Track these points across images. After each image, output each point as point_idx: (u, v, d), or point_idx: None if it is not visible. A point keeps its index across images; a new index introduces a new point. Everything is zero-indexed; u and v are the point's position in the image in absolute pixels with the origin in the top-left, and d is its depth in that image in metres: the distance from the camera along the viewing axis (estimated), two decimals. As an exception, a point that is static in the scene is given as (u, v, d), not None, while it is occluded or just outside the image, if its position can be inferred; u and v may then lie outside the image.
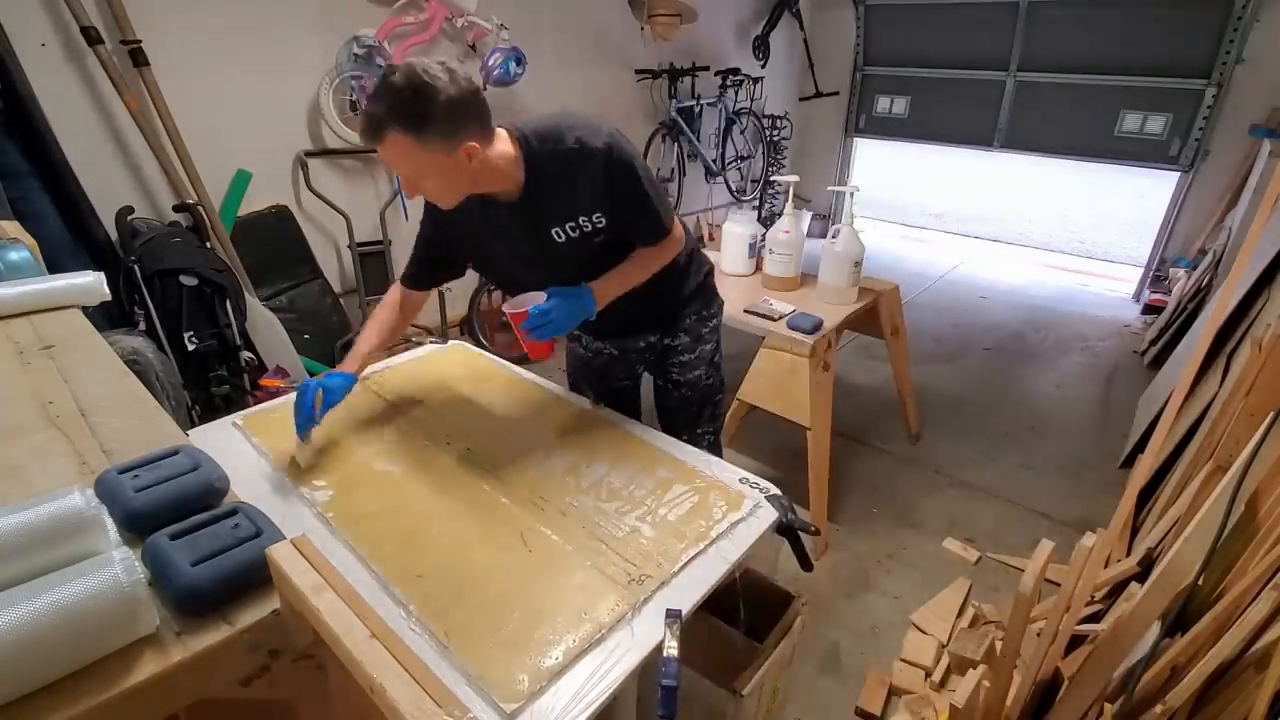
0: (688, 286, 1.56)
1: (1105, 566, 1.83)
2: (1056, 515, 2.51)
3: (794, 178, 2.50)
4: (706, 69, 4.72)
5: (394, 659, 0.56)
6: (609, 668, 0.87)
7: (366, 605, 0.60)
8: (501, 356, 1.77)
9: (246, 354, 2.42)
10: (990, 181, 9.07)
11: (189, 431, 1.26)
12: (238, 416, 1.43)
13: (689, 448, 1.38)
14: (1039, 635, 1.36)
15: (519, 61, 3.36)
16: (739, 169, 5.35)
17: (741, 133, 5.12)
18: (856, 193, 3.28)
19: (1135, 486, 1.40)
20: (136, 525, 0.68)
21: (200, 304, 2.31)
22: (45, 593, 0.54)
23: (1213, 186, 4.31)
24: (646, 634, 0.92)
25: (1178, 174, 4.51)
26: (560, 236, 1.31)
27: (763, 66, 5.32)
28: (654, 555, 1.06)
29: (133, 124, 2.39)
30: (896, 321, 2.62)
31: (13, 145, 2.09)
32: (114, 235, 2.40)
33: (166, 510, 0.69)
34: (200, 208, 2.55)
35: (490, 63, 3.30)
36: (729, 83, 4.89)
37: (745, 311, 2.22)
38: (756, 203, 5.65)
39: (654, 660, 0.89)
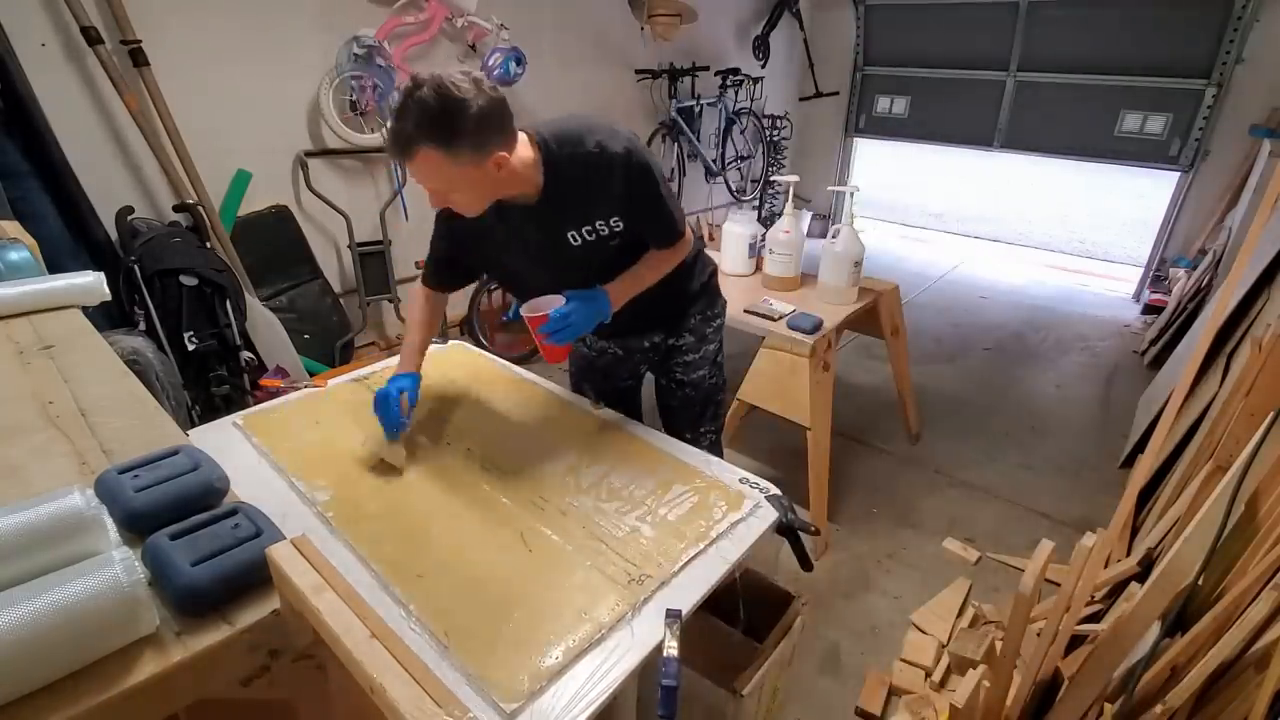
0: (693, 286, 1.57)
1: (1105, 566, 1.83)
2: (1056, 515, 2.51)
3: (794, 178, 2.50)
4: (706, 69, 4.72)
5: (394, 659, 0.56)
6: (609, 668, 0.87)
7: (366, 605, 0.60)
8: (501, 356, 1.77)
9: (246, 354, 2.42)
10: (990, 181, 9.07)
11: (189, 431, 1.26)
12: (238, 416, 1.43)
13: (689, 448, 1.38)
14: (1039, 635, 1.36)
15: (519, 61, 3.36)
16: (739, 169, 5.35)
17: (741, 133, 5.13)
18: (856, 193, 3.28)
19: (1135, 486, 1.40)
20: (136, 525, 0.68)
21: (200, 304, 2.31)
22: (45, 593, 0.54)
23: (1213, 186, 4.31)
24: (646, 634, 0.92)
25: (1178, 174, 4.51)
26: (576, 240, 1.30)
27: (763, 66, 5.32)
28: (654, 555, 1.06)
29: (133, 124, 2.39)
30: (896, 321, 2.62)
31: (13, 145, 2.09)
32: (114, 235, 2.40)
33: (166, 510, 0.69)
34: (200, 208, 2.55)
35: (490, 63, 3.30)
36: (729, 83, 4.89)
37: (745, 311, 2.22)
38: (756, 203, 5.65)
39: (654, 660, 0.89)
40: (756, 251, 2.60)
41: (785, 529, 1.18)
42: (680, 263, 1.46)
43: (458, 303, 3.63)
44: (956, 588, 2.12)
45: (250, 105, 2.77)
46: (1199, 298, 3.51)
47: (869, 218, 6.84)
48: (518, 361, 1.76)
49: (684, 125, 4.60)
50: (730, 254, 2.59)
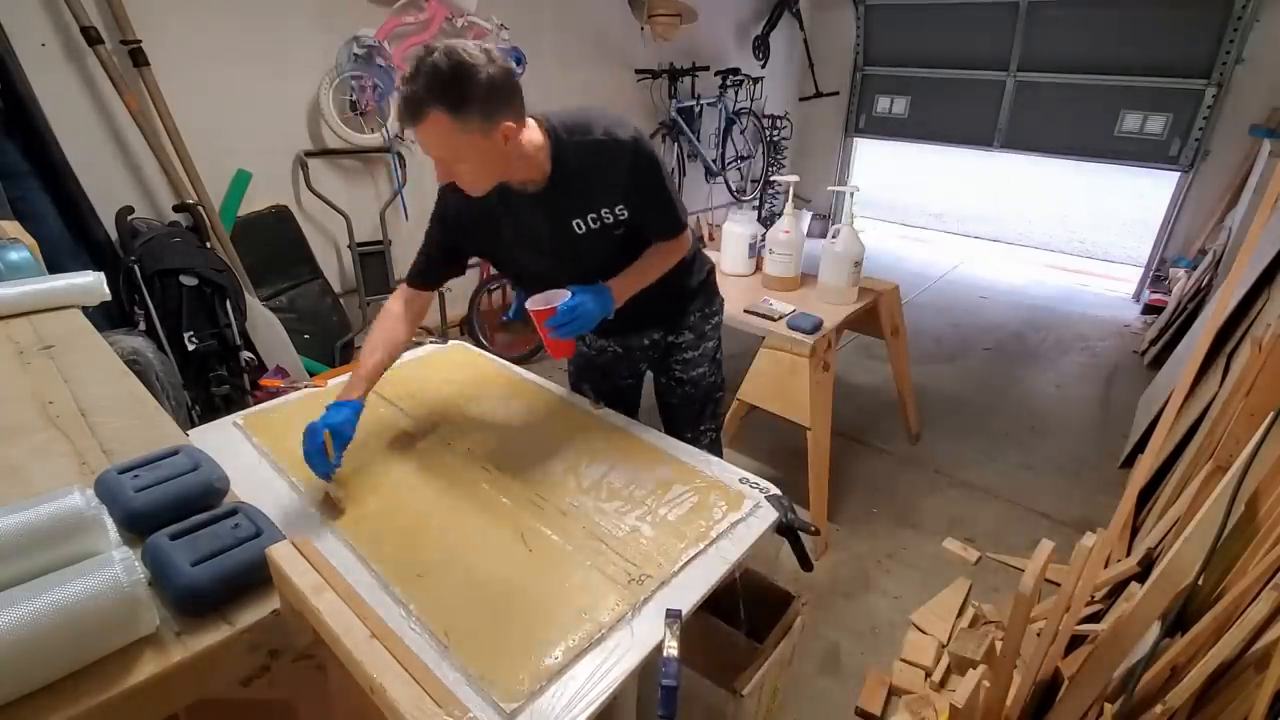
0: (692, 283, 1.57)
1: (1105, 566, 1.83)
2: (1056, 515, 2.51)
3: (794, 178, 2.50)
4: (706, 69, 4.72)
5: (394, 659, 0.56)
6: (609, 668, 0.87)
7: (366, 605, 0.60)
8: (501, 356, 1.77)
9: (246, 354, 2.43)
10: (990, 181, 9.07)
11: (189, 431, 1.26)
12: (238, 416, 1.43)
13: (689, 448, 1.38)
14: (1039, 635, 1.36)
15: (519, 61, 3.37)
16: (739, 169, 5.35)
17: (741, 133, 5.12)
18: (856, 193, 3.28)
19: (1135, 486, 1.40)
20: (136, 525, 0.68)
21: (200, 304, 2.31)
22: (45, 593, 0.54)
23: (1213, 186, 4.31)
24: (646, 634, 0.92)
25: (1178, 174, 4.51)
26: (581, 228, 1.30)
27: (763, 66, 5.32)
28: (654, 555, 1.06)
29: (133, 124, 2.39)
30: (896, 321, 2.62)
31: (13, 145, 2.09)
32: (114, 235, 2.40)
33: (166, 510, 0.69)
34: (200, 208, 2.55)
35: (490, 63, 3.30)
36: (729, 83, 4.89)
37: (745, 311, 2.22)
38: (756, 203, 5.65)
39: (654, 660, 0.89)
40: (756, 251, 2.60)
41: (785, 529, 1.18)
42: (680, 260, 1.46)
43: (458, 302, 3.63)
44: (956, 588, 2.12)
45: (250, 105, 2.77)
46: (1199, 298, 3.51)
47: (869, 218, 6.84)
48: (518, 361, 1.76)
49: (684, 125, 4.60)
50: (730, 254, 2.59)
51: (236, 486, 0.77)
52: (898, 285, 2.55)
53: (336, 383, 1.58)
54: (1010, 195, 8.63)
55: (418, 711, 0.52)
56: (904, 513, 2.51)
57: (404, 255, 3.41)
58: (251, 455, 1.30)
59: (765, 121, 5.36)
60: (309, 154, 2.99)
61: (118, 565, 0.57)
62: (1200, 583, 1.19)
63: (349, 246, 3.18)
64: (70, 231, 2.24)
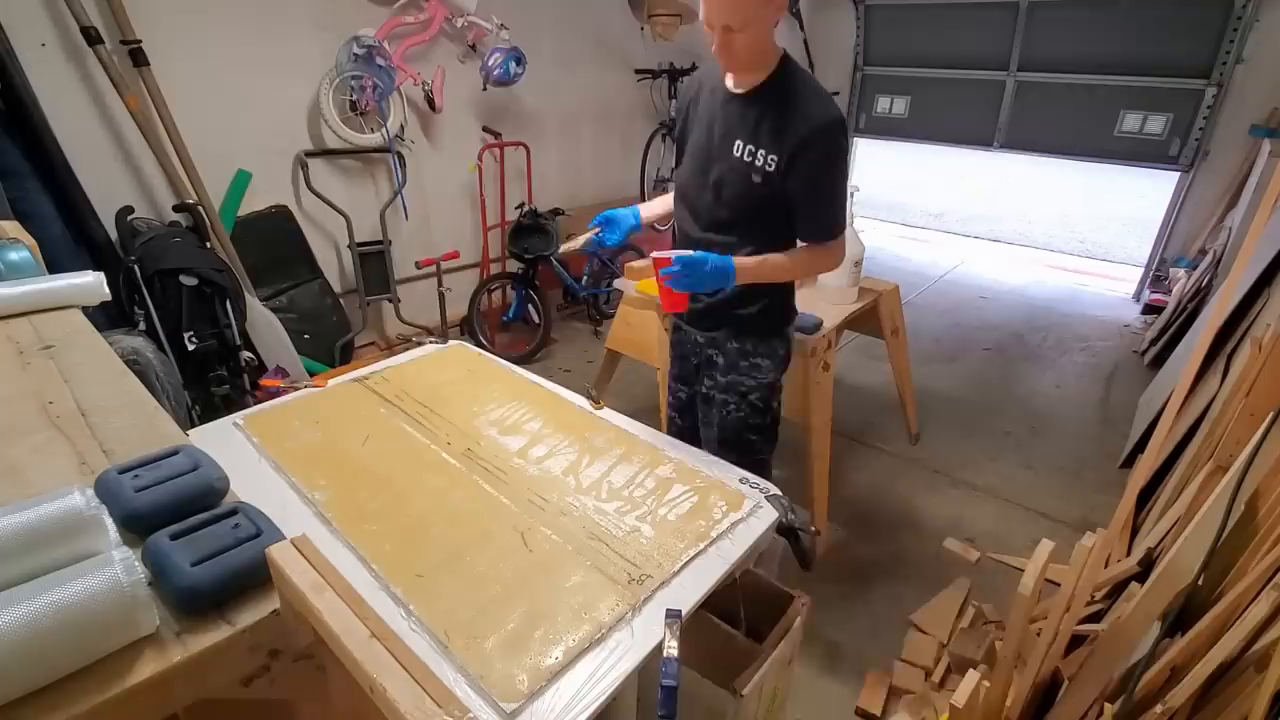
0: (751, 310, 1.54)
1: (1105, 566, 1.83)
2: (1056, 515, 2.51)
3: (794, 178, 2.49)
4: (706, 69, 4.72)
5: (394, 659, 0.56)
6: (609, 668, 0.87)
7: (366, 605, 0.60)
8: (501, 356, 1.77)
9: (246, 354, 2.43)
10: (990, 181, 9.07)
11: (189, 431, 1.26)
12: (238, 416, 1.43)
13: (690, 447, 1.38)
14: (1039, 635, 1.36)
15: (519, 61, 3.36)
16: (739, 169, 5.34)
17: (741, 133, 5.12)
18: (856, 193, 3.28)
19: (1135, 486, 1.40)
20: (136, 525, 0.68)
21: (200, 304, 2.31)
22: (45, 593, 0.54)
23: (1213, 186, 4.31)
24: (646, 634, 0.92)
25: (1178, 174, 4.51)
26: (738, 151, 1.37)
27: (763, 66, 5.31)
28: (654, 555, 1.06)
29: (133, 124, 2.39)
30: (896, 321, 2.62)
31: (13, 145, 2.10)
32: (114, 235, 2.40)
33: (166, 510, 0.69)
34: (200, 208, 2.55)
35: (490, 63, 3.30)
36: (729, 83, 4.88)
37: (745, 311, 2.22)
38: (756, 203, 5.65)
39: (654, 660, 0.89)
40: (756, 251, 2.59)
41: (785, 529, 1.18)
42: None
43: (458, 302, 3.63)
44: (956, 588, 2.12)
45: (250, 105, 2.77)
46: (1199, 298, 3.51)
47: (869, 218, 6.83)
48: (518, 361, 1.76)
49: (684, 125, 4.60)
50: (730, 254, 2.59)
51: (236, 486, 0.77)
52: (898, 285, 2.55)
53: (336, 383, 1.58)
54: (1010, 195, 8.63)
55: (418, 711, 0.52)
56: (904, 513, 2.51)
57: (404, 255, 3.41)
58: (251, 455, 1.30)
59: (765, 121, 5.35)
60: (309, 154, 2.99)
61: (118, 565, 0.57)
62: (1200, 583, 1.19)
63: (349, 246, 3.18)
64: (70, 231, 2.24)
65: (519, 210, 3.56)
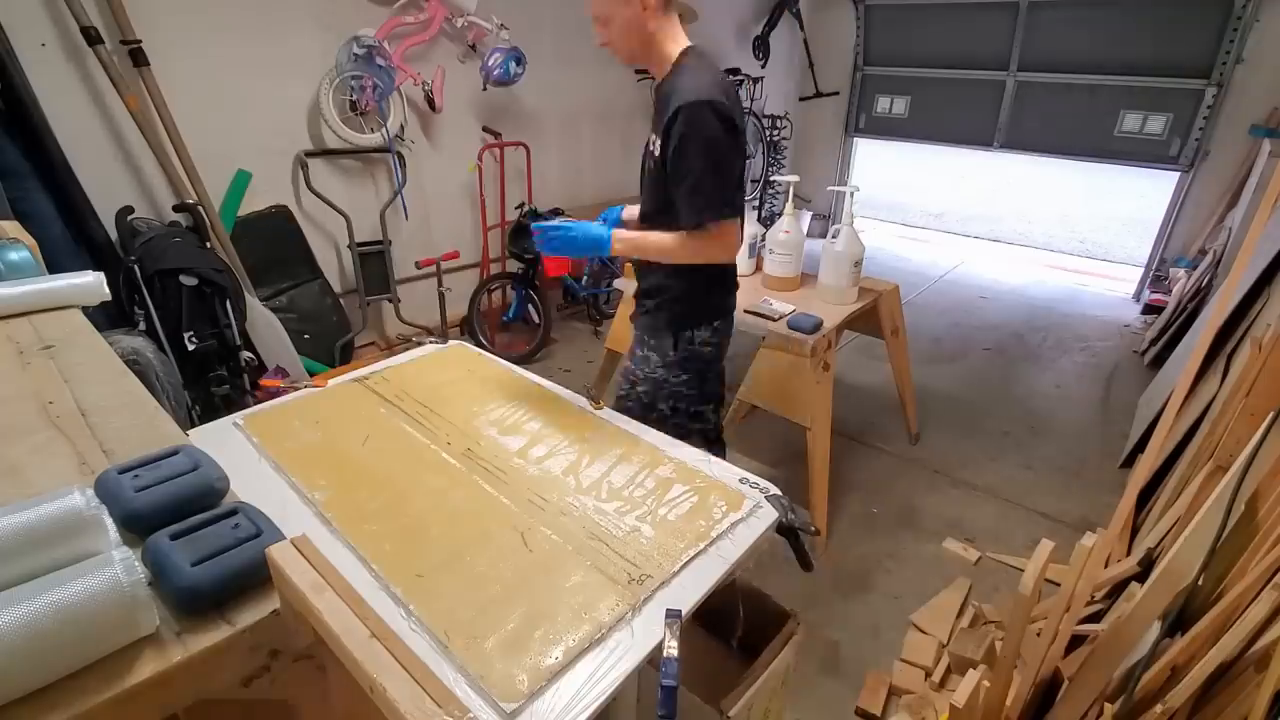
0: (651, 302, 1.62)
1: (1105, 566, 1.83)
2: (1056, 515, 2.51)
3: (794, 178, 2.50)
4: (706, 69, 4.71)
5: (394, 659, 0.56)
6: (609, 668, 0.87)
7: (366, 605, 0.60)
8: (501, 356, 1.77)
9: (246, 354, 2.43)
10: (990, 181, 9.07)
11: (189, 431, 1.26)
12: (238, 416, 1.43)
13: (690, 448, 1.38)
14: (1039, 635, 1.36)
15: (519, 61, 3.36)
16: (739, 169, 5.34)
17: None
18: (856, 193, 3.28)
19: (1135, 486, 1.40)
20: (136, 525, 0.68)
21: (200, 304, 2.31)
22: (45, 593, 0.54)
23: (1213, 186, 4.31)
24: (646, 634, 0.92)
25: (1178, 174, 4.51)
26: (649, 143, 1.47)
27: (763, 66, 5.32)
28: (654, 555, 1.06)
29: (133, 124, 2.39)
30: (896, 321, 2.62)
31: (13, 145, 2.09)
32: (114, 235, 2.40)
33: (166, 510, 0.69)
34: (200, 208, 2.55)
35: (490, 63, 3.30)
36: (729, 83, 4.88)
37: (745, 311, 2.22)
38: (757, 203, 5.65)
39: (654, 660, 0.88)
40: (756, 251, 2.60)
41: (785, 529, 1.18)
42: (677, 273, 1.53)
43: (458, 302, 3.63)
44: (956, 588, 2.12)
45: (250, 105, 2.77)
46: (1199, 298, 3.51)
47: (869, 218, 6.84)
48: (518, 361, 1.76)
49: (684, 125, 4.59)
50: (730, 254, 2.59)
51: (236, 486, 0.77)
52: (898, 285, 2.55)
53: (336, 383, 1.58)
54: (1010, 195, 8.63)
55: (417, 711, 0.52)
56: (904, 513, 2.51)
57: (404, 255, 3.41)
58: (251, 455, 1.30)
59: (765, 121, 5.35)
60: (309, 154, 2.99)
61: (118, 565, 0.57)
62: (1200, 583, 1.19)
63: (349, 246, 3.18)
64: (70, 231, 2.24)
65: (519, 210, 3.56)
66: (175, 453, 0.77)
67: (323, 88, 2.88)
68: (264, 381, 2.42)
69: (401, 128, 3.22)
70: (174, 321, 2.27)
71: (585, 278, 3.92)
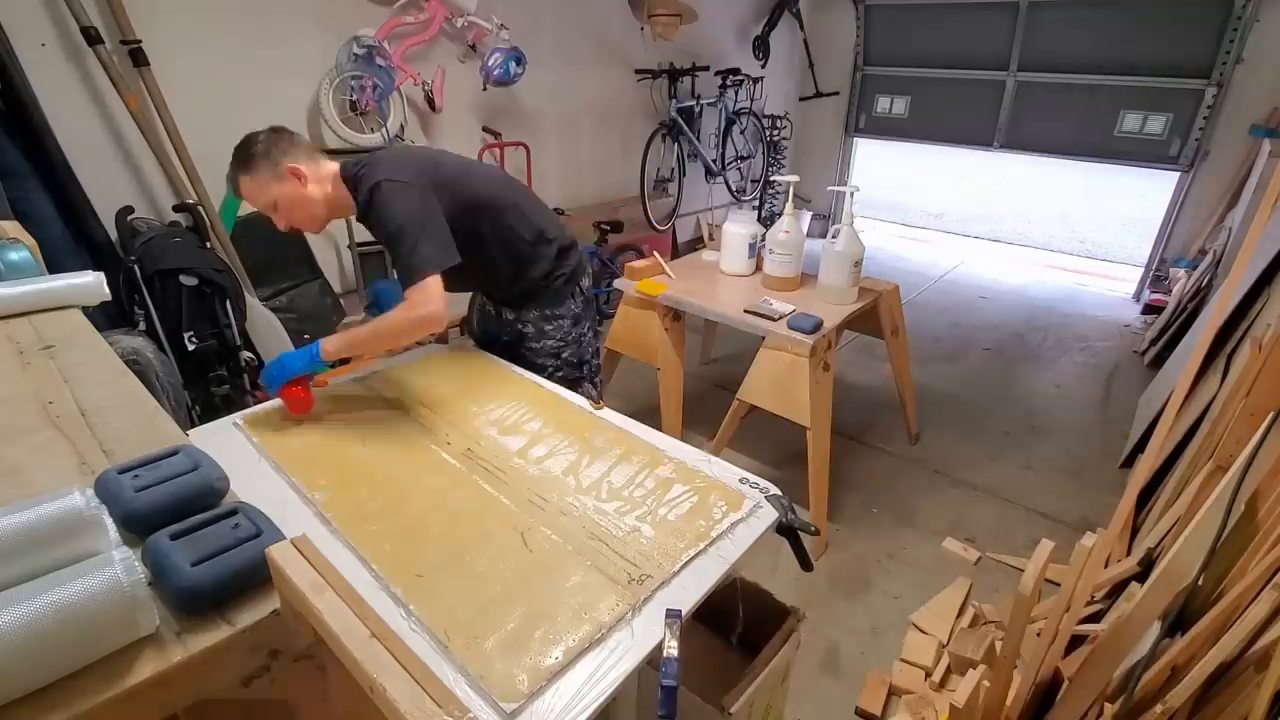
0: (530, 276, 1.69)
1: (1105, 566, 1.83)
2: (1056, 515, 2.51)
3: (794, 178, 2.50)
4: (706, 69, 4.72)
5: (394, 659, 0.56)
6: (609, 668, 0.87)
7: (366, 605, 0.60)
8: (502, 356, 1.77)
9: (246, 354, 2.42)
10: (990, 181, 9.07)
11: (189, 431, 1.26)
12: (238, 416, 1.43)
13: (690, 448, 1.38)
14: (1039, 635, 1.36)
15: (519, 61, 3.36)
16: (739, 169, 5.35)
17: (741, 133, 5.12)
18: (856, 193, 3.28)
19: (1135, 486, 1.40)
20: (136, 525, 0.68)
21: (200, 304, 2.31)
22: (45, 593, 0.54)
23: (1213, 186, 4.31)
24: (646, 634, 0.92)
25: (1178, 174, 4.51)
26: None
27: (763, 66, 5.32)
28: (654, 555, 1.06)
29: (133, 124, 2.39)
30: (896, 321, 2.62)
31: (13, 145, 2.09)
32: (114, 235, 2.40)
33: (166, 510, 0.69)
34: (200, 208, 2.55)
35: (490, 63, 3.30)
36: (729, 83, 4.88)
37: (745, 311, 2.22)
38: (756, 203, 5.65)
39: (654, 660, 0.89)
40: (756, 251, 2.60)
41: (785, 529, 1.18)
42: (518, 254, 1.65)
43: (458, 302, 3.63)
44: (956, 588, 2.12)
45: (250, 105, 2.76)
46: (1199, 298, 3.51)
47: (869, 218, 6.84)
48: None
49: (684, 125, 4.60)
50: (730, 254, 2.59)
51: (236, 486, 0.77)
52: (898, 285, 2.55)
53: (336, 383, 1.58)
54: (1010, 195, 8.64)
55: (417, 711, 0.52)
56: (904, 513, 2.51)
57: (404, 255, 3.40)
58: (251, 455, 1.30)
59: (765, 121, 5.35)
60: (309, 154, 2.98)
61: (118, 565, 0.57)
62: (1200, 583, 1.19)
63: (349, 246, 3.18)
64: (70, 231, 2.24)
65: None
66: (175, 453, 0.77)
67: (323, 87, 2.88)
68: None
69: (401, 128, 3.22)
70: (174, 321, 2.27)
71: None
